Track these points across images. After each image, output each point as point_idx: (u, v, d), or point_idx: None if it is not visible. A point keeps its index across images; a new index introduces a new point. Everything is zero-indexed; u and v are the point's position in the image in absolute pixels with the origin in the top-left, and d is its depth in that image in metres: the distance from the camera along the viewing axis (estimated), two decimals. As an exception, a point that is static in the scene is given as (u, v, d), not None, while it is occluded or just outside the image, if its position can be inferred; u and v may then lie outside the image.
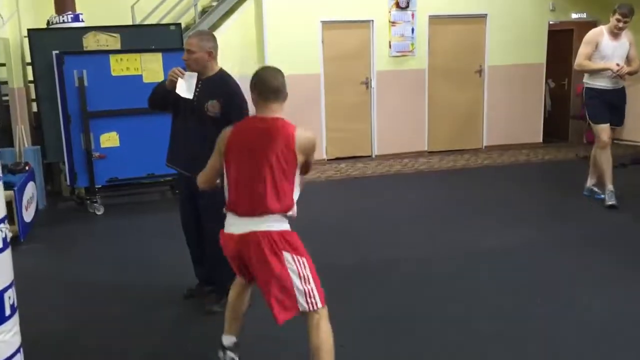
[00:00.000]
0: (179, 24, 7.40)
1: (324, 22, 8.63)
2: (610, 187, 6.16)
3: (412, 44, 9.02)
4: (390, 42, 8.92)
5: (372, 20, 8.82)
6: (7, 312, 2.15)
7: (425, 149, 9.34)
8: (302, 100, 8.69)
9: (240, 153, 2.86)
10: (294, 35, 8.52)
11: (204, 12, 8.84)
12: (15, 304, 2.25)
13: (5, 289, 2.17)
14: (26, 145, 6.90)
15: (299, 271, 2.76)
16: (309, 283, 2.77)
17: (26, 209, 5.66)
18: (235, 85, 3.91)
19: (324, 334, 2.80)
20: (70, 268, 4.98)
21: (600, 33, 6.12)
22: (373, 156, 9.12)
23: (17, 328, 2.24)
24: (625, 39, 6.05)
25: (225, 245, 2.92)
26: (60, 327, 3.88)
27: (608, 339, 3.53)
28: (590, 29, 9.94)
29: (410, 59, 9.07)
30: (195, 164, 3.80)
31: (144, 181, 6.66)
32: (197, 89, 3.85)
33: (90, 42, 6.66)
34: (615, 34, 6.01)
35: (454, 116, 9.40)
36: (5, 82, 7.08)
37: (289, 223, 2.90)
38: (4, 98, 7.16)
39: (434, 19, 9.06)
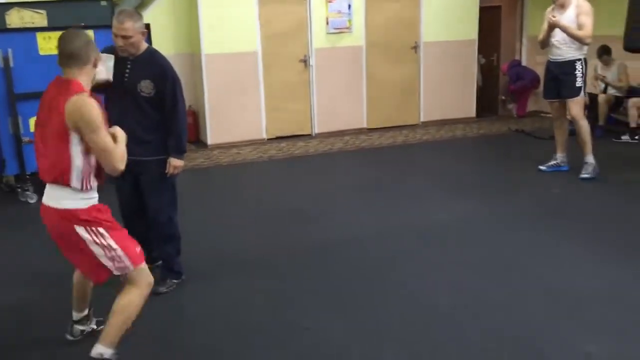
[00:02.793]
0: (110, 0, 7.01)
1: (260, -1, 8.42)
2: (556, 156, 6.60)
3: (349, 21, 8.96)
4: (327, 18, 8.83)
5: (309, -3, 8.69)
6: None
7: (365, 126, 9.36)
8: (240, 79, 8.50)
9: (39, 116, 2.86)
10: (229, 13, 8.26)
11: (133, -13, 8.41)
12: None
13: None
14: (-55, 131, 6.36)
15: (96, 241, 2.81)
16: (112, 250, 2.84)
17: (-47, 201, 5.24)
18: (165, 61, 3.85)
19: (126, 300, 2.92)
20: (2, 260, 4.66)
21: (550, 8, 6.23)
22: (313, 134, 9.06)
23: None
24: (571, 9, 6.03)
25: None
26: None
27: (569, 308, 3.66)
28: (517, 5, 10.37)
29: (348, 35, 9.01)
30: (141, 146, 3.71)
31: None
32: (127, 70, 3.74)
33: (14, 19, 6.21)
34: (560, 4, 6.09)
35: (391, 93, 9.46)
36: None
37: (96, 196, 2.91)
38: None
39: (370, -5, 9.03)
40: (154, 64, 3.75)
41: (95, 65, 2.89)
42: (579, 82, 6.17)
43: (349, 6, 8.89)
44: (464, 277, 4.09)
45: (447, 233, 4.94)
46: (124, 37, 3.63)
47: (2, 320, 3.69)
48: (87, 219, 2.79)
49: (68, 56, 2.79)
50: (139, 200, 3.94)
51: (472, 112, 10.09)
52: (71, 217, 2.78)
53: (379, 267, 4.32)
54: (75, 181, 2.77)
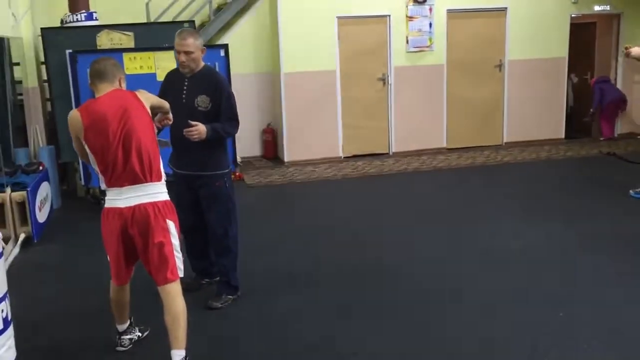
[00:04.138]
0: (193, 21, 7.33)
1: (339, 18, 8.49)
2: None
3: (430, 39, 8.84)
4: (407, 37, 8.75)
5: (389, 16, 8.66)
6: (0, 325, 2.05)
7: (444, 145, 9.16)
8: (318, 97, 8.59)
9: None
10: (309, 32, 8.41)
11: (219, 9, 8.76)
12: (10, 317, 2.16)
13: (-2, 302, 2.07)
14: (41, 144, 6.88)
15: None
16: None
17: (40, 210, 5.62)
18: (220, 77, 3.97)
19: (182, 304, 3.15)
20: (82, 267, 4.92)
21: None
22: (390, 153, 8.97)
23: (11, 342, 2.15)
24: None
25: None
26: (68, 321, 3.83)
27: (635, 344, 3.37)
28: (613, 22, 9.80)
29: (428, 54, 8.89)
30: (199, 162, 3.82)
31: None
32: (185, 88, 3.89)
33: (104, 41, 6.61)
34: None
35: (473, 112, 9.21)
36: (20, 82, 7.05)
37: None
38: (19, 97, 7.13)
39: (453, 13, 8.87)
40: (209, 80, 3.88)
41: (120, 85, 3.17)
42: None
43: (430, 24, 8.78)
44: (526, 308, 3.86)
45: (514, 260, 4.70)
46: (186, 53, 3.78)
47: (73, 326, 3.89)
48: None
49: (97, 74, 3.11)
50: (199, 215, 4.04)
51: (560, 133, 9.61)
52: None
53: (438, 292, 4.17)
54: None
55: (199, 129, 3.71)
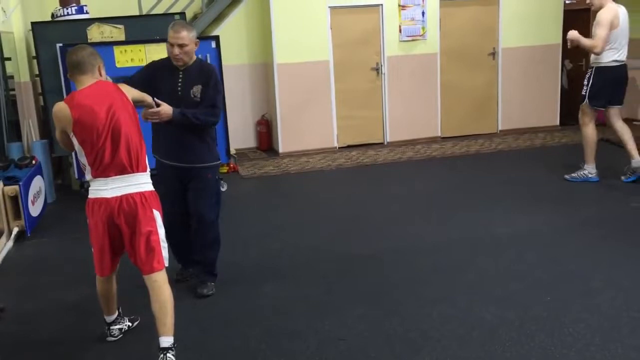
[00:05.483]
0: (183, 13, 7.31)
1: (332, 8, 8.48)
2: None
3: (423, 28, 8.82)
4: (400, 26, 8.74)
5: (381, 5, 8.64)
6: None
7: (439, 134, 9.16)
8: (311, 88, 8.59)
9: None
10: (302, 22, 8.39)
11: (211, 1, 8.74)
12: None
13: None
14: (34, 139, 6.89)
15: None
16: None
17: (32, 204, 5.64)
18: (213, 68, 4.01)
19: (168, 291, 3.18)
20: (75, 260, 4.91)
21: None
22: (385, 143, 8.98)
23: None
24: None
25: None
26: (61, 313, 3.86)
27: (619, 326, 3.40)
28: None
29: (421, 43, 8.88)
30: (191, 154, 3.83)
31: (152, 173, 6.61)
32: (180, 80, 3.89)
33: (95, 34, 6.61)
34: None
35: (467, 100, 9.21)
36: (12, 77, 7.05)
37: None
38: (11, 92, 7.13)
39: (445, 2, 8.85)
40: (203, 70, 3.91)
41: (100, 73, 3.15)
42: (583, 90, 6.39)
43: (423, 13, 8.76)
44: (515, 293, 3.89)
45: (506, 246, 4.73)
46: (180, 46, 3.78)
47: (65, 318, 3.92)
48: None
49: (75, 65, 3.07)
50: (183, 208, 4.05)
51: (555, 120, 9.61)
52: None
53: (427, 279, 4.20)
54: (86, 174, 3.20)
55: (164, 110, 3.63)
